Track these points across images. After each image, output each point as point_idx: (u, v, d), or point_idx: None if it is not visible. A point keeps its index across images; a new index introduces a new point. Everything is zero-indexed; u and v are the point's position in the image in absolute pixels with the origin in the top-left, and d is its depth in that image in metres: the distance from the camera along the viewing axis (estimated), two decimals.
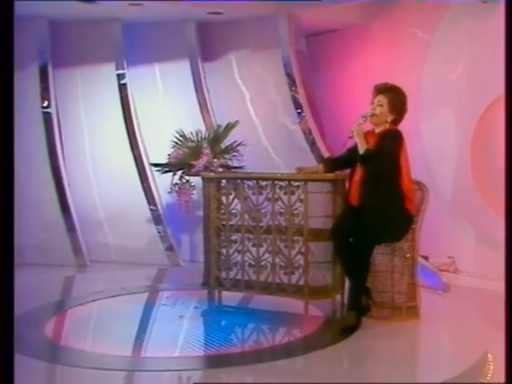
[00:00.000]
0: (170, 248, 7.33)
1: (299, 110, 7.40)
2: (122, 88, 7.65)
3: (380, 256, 4.80)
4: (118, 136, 7.60)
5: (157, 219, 7.41)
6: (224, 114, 7.60)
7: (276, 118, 7.65)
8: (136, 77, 7.80)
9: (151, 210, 7.40)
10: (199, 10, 7.33)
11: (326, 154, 6.88)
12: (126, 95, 7.65)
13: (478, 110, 6.56)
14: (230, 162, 6.23)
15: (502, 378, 4.06)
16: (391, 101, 4.72)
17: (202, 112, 7.67)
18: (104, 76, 7.72)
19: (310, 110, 7.41)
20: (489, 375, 4.08)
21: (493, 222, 6.39)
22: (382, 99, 4.71)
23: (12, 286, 3.05)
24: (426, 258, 6.55)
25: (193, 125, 6.94)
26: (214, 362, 4.06)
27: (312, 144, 7.24)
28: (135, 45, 7.84)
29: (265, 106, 7.76)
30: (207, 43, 7.97)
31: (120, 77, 7.66)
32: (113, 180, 7.62)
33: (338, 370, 3.97)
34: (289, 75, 7.51)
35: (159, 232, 7.40)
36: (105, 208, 7.73)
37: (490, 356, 4.31)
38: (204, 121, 7.49)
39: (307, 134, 7.30)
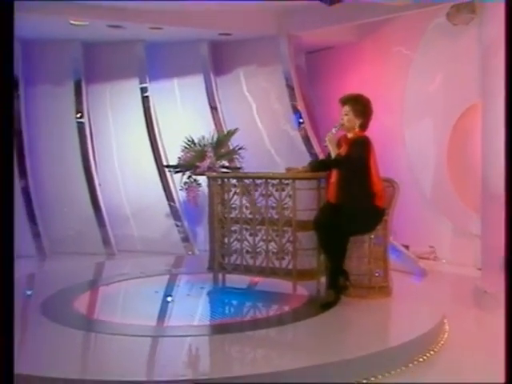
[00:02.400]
0: (185, 239, 7.57)
1: (301, 120, 7.56)
2: (145, 100, 7.90)
3: (358, 244, 4.95)
4: (142, 142, 7.84)
5: (175, 214, 7.65)
6: (233, 122, 7.76)
7: (278, 124, 7.81)
8: (157, 90, 8.03)
9: (170, 205, 7.64)
10: (211, 32, 7.55)
11: (321, 156, 7.08)
12: (149, 106, 7.89)
13: (453, 117, 6.75)
14: (230, 163, 6.43)
15: (457, 343, 4.37)
16: (354, 108, 4.86)
17: (214, 120, 7.87)
18: (129, 90, 7.95)
19: (308, 117, 7.57)
20: (444, 338, 4.36)
21: (467, 216, 6.63)
22: (347, 109, 4.87)
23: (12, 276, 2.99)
24: (406, 247, 6.78)
25: (206, 131, 7.12)
26: (217, 329, 4.40)
27: (309, 147, 7.40)
28: (156, 62, 8.04)
29: (268, 115, 7.91)
30: (218, 60, 8.12)
31: (143, 90, 7.91)
32: (137, 180, 7.86)
33: (319, 335, 4.24)
34: (289, 88, 7.67)
35: (177, 225, 7.64)
36: (130, 204, 7.96)
37: (446, 324, 4.59)
38: (216, 128, 7.67)
39: (305, 138, 7.47)
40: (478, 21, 6.23)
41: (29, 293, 5.55)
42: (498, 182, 5.78)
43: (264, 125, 7.91)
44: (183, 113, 8.06)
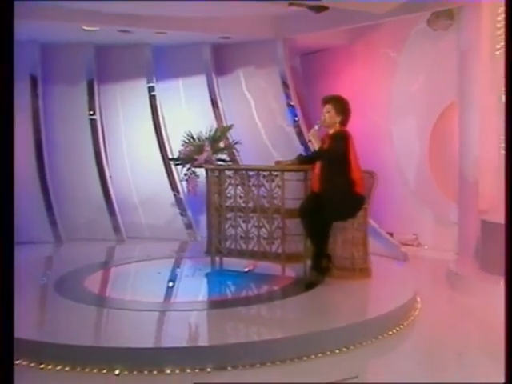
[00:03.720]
0: (189, 226, 7.71)
1: (295, 118, 7.66)
2: (152, 98, 7.99)
3: (341, 230, 5.15)
4: (149, 137, 7.93)
5: (179, 203, 7.77)
6: (233, 119, 7.84)
7: (275, 121, 7.89)
8: (163, 89, 8.11)
9: (174, 195, 7.77)
10: (212, 35, 7.62)
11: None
12: (155, 104, 7.98)
13: (434, 115, 6.92)
14: (231, 157, 6.58)
15: (426, 317, 4.62)
16: (335, 107, 5.06)
17: (215, 117, 7.93)
18: (137, 89, 8.04)
19: (302, 115, 7.66)
20: (414, 314, 4.62)
21: (446, 206, 6.82)
22: (329, 107, 5.08)
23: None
24: (391, 234, 6.96)
25: (209, 127, 7.07)
26: (214, 305, 4.71)
27: (303, 142, 7.47)
28: (162, 64, 8.11)
29: (266, 112, 7.99)
30: (220, 62, 8.18)
31: (150, 89, 7.99)
32: (145, 172, 7.96)
33: (304, 310, 4.55)
34: (285, 87, 7.74)
35: (181, 213, 7.77)
36: (138, 194, 8.06)
37: (418, 300, 4.87)
38: (217, 124, 7.70)
39: (299, 134, 7.56)
40: (456, 27, 6.40)
41: (45, 273, 5.85)
42: (472, 172, 6.05)
43: (262, 121, 8.00)
44: (187, 110, 8.14)
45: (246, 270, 5.55)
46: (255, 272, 5.52)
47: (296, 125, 7.66)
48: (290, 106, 7.75)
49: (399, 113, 7.42)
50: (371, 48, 7.76)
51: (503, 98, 5.49)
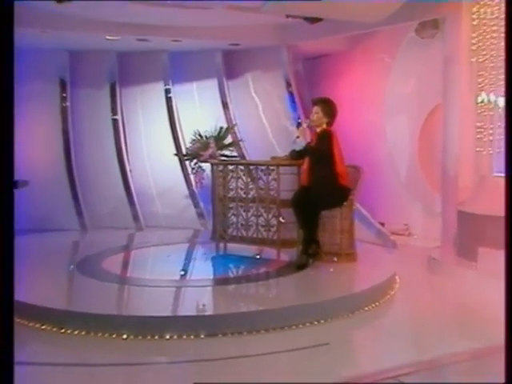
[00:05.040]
0: (201, 216, 7.96)
1: (299, 120, 7.57)
2: (169, 100, 8.23)
3: (329, 219, 5.45)
4: (166, 135, 8.15)
5: (192, 195, 8.01)
6: (242, 118, 8.16)
7: (279, 121, 8.06)
8: (179, 92, 8.33)
9: (188, 188, 8.01)
10: (223, 43, 7.87)
11: None
12: (171, 105, 8.22)
13: (423, 115, 7.18)
14: (238, 152, 6.84)
15: (404, 294, 4.96)
16: (323, 109, 5.29)
17: (226, 116, 8.13)
18: (155, 91, 8.26)
19: (304, 115, 7.62)
20: (394, 288, 4.98)
21: (433, 198, 7.06)
22: (317, 109, 5.31)
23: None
24: (382, 224, 7.27)
25: (213, 127, 7.13)
26: (218, 282, 5.08)
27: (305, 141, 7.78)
28: (178, 68, 8.30)
29: (271, 113, 8.17)
30: (230, 66, 8.37)
31: (167, 92, 8.23)
32: (161, 167, 8.18)
33: (296, 287, 4.93)
34: (289, 90, 7.97)
35: (194, 204, 8.00)
36: (156, 187, 8.28)
37: (397, 281, 5.20)
38: (227, 123, 7.85)
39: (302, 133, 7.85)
40: (441, 35, 6.62)
41: (70, 255, 6.29)
42: (453, 167, 6.32)
43: (268, 121, 8.17)
44: (200, 111, 8.33)
45: (258, 256, 5.80)
46: (252, 256, 5.77)
47: (298, 124, 7.82)
48: (293, 106, 7.97)
49: (392, 112, 7.65)
50: (368, 54, 7.98)
51: (479, 99, 5.79)
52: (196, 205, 8.07)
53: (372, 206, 7.39)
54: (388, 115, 7.69)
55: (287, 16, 6.21)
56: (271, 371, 3.38)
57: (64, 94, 8.13)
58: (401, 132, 7.58)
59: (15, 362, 2.52)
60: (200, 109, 8.42)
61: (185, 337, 3.84)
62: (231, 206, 5.85)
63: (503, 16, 5.39)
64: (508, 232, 2.80)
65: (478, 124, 5.74)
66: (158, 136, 8.30)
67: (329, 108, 5.34)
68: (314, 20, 6.12)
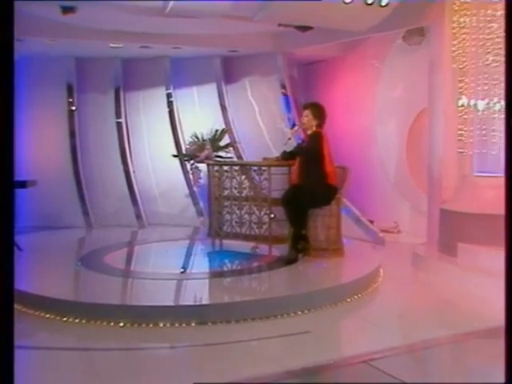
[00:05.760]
0: (200, 214, 8.09)
1: (293, 121, 7.61)
2: (170, 104, 8.39)
3: (318, 217, 5.61)
4: (167, 137, 8.29)
5: (192, 194, 8.14)
6: (240, 121, 8.33)
7: (275, 123, 8.22)
8: (180, 96, 8.48)
9: (188, 188, 8.15)
10: (222, 49, 8.04)
11: None
12: (173, 109, 8.38)
13: (411, 118, 7.33)
14: (224, 154, 7.00)
15: (387, 285, 5.14)
16: (313, 112, 5.47)
17: (224, 119, 8.29)
18: (157, 96, 8.43)
19: (298, 118, 7.52)
20: (378, 281, 5.16)
21: (421, 198, 7.14)
22: (307, 112, 5.49)
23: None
24: (371, 221, 7.41)
25: (209, 130, 7.50)
26: (214, 275, 5.29)
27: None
28: (179, 73, 8.45)
29: (268, 115, 8.34)
30: (228, 72, 8.53)
31: (168, 96, 8.39)
32: (163, 168, 8.32)
33: (286, 279, 5.12)
34: (284, 94, 8.14)
35: (194, 203, 8.16)
36: (158, 187, 8.42)
37: (381, 274, 5.38)
38: (226, 126, 8.08)
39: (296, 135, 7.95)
40: (427, 42, 6.77)
41: (75, 250, 6.50)
42: (438, 167, 6.49)
43: (264, 123, 8.34)
44: (200, 114, 8.47)
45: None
46: (247, 252, 5.94)
47: (293, 126, 7.95)
48: (288, 110, 8.13)
49: (382, 115, 7.82)
50: (360, 59, 8.15)
51: (459, 103, 5.96)
52: (196, 204, 8.23)
53: (363, 204, 7.57)
54: (378, 118, 7.86)
55: (279, 25, 6.40)
56: (254, 356, 3.57)
57: (71, 99, 8.34)
58: (390, 134, 7.74)
59: (20, 346, 2.66)
60: (200, 112, 8.57)
61: (177, 325, 4.04)
62: (226, 204, 6.01)
63: (481, 25, 5.60)
64: (508, 232, 2.80)
65: (459, 127, 5.89)
66: (160, 138, 8.45)
67: (318, 111, 5.51)
68: (304, 28, 6.31)
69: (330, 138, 5.62)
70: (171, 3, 5.48)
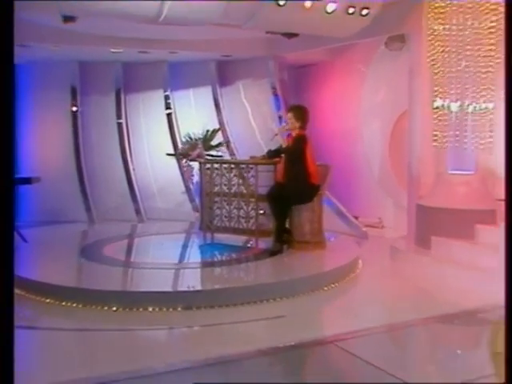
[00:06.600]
0: (196, 209, 8.23)
1: (284, 122, 7.84)
2: (168, 105, 8.63)
3: (301, 211, 5.79)
4: (165, 137, 8.55)
5: (188, 191, 8.40)
6: (233, 122, 8.56)
7: (266, 124, 8.42)
8: (177, 98, 8.73)
9: (185, 185, 8.38)
10: (216, 54, 8.28)
11: None
12: (170, 110, 8.62)
13: (393, 120, 7.55)
14: (215, 153, 7.20)
15: (365, 275, 5.39)
16: (296, 114, 5.69)
17: (219, 120, 8.53)
18: (156, 98, 8.68)
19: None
20: (358, 269, 5.41)
21: (402, 194, 7.25)
22: (290, 115, 5.73)
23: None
24: (356, 217, 7.64)
25: (200, 130, 7.62)
26: (205, 264, 5.55)
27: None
28: (176, 77, 8.70)
29: (259, 116, 8.55)
30: (223, 75, 8.75)
31: (166, 98, 8.64)
32: (161, 166, 8.57)
33: (272, 268, 5.35)
34: (275, 96, 8.37)
35: (190, 199, 8.40)
36: (156, 183, 8.68)
37: (359, 265, 5.62)
38: (220, 126, 8.32)
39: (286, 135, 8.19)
40: (407, 48, 6.92)
41: (76, 241, 6.73)
42: (416, 166, 6.70)
43: (256, 124, 8.55)
44: (196, 115, 8.70)
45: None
46: (235, 244, 6.12)
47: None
48: (279, 111, 8.34)
49: (367, 117, 8.04)
50: (347, 64, 8.35)
51: (434, 104, 6.16)
52: (192, 200, 8.45)
53: (349, 201, 7.81)
54: (364, 119, 8.07)
55: (266, 32, 6.64)
56: (229, 337, 3.84)
57: (74, 101, 8.58)
58: (375, 135, 7.95)
59: (20, 326, 2.85)
60: (196, 113, 8.81)
61: (165, 309, 4.30)
62: (216, 199, 6.24)
63: (454, 33, 5.83)
64: (508, 229, 2.73)
65: (436, 127, 6.10)
66: (158, 137, 8.69)
67: (300, 113, 5.74)
68: (290, 35, 6.54)
69: (319, 137, 5.88)
70: (165, 12, 5.71)
